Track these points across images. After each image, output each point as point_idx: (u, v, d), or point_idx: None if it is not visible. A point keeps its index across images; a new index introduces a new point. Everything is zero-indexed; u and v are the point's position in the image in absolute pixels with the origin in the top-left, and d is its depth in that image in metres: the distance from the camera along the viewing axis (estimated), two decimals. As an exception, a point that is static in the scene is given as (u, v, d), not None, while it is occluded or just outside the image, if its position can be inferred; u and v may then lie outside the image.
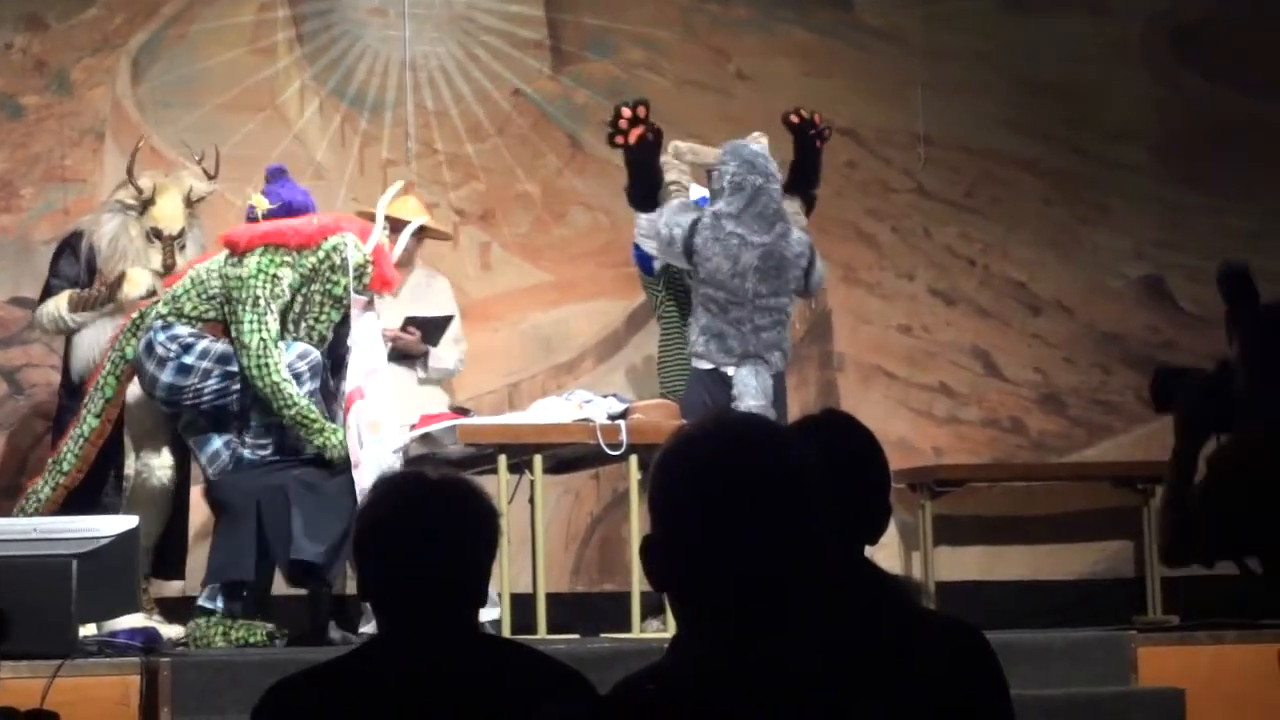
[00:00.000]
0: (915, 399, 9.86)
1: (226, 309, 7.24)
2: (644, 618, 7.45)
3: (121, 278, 7.65)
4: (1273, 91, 10.29)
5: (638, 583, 7.33)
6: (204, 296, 7.27)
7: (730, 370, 7.73)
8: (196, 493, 7.77)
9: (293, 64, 9.38)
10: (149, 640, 6.66)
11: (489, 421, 7.74)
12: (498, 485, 7.32)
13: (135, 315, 7.36)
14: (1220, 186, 10.19)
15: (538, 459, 7.39)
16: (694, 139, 9.39)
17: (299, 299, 7.31)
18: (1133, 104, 10.26)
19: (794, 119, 8.15)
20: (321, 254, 7.31)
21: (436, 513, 3.14)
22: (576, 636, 7.61)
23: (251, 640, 7.11)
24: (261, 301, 7.18)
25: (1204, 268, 10.11)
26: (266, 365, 7.17)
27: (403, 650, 3.11)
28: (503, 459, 7.30)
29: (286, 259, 7.25)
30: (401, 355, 8.42)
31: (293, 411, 7.19)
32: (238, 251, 7.26)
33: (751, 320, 7.74)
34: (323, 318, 7.37)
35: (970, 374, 9.96)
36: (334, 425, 7.28)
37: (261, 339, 7.17)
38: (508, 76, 9.62)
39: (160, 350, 7.20)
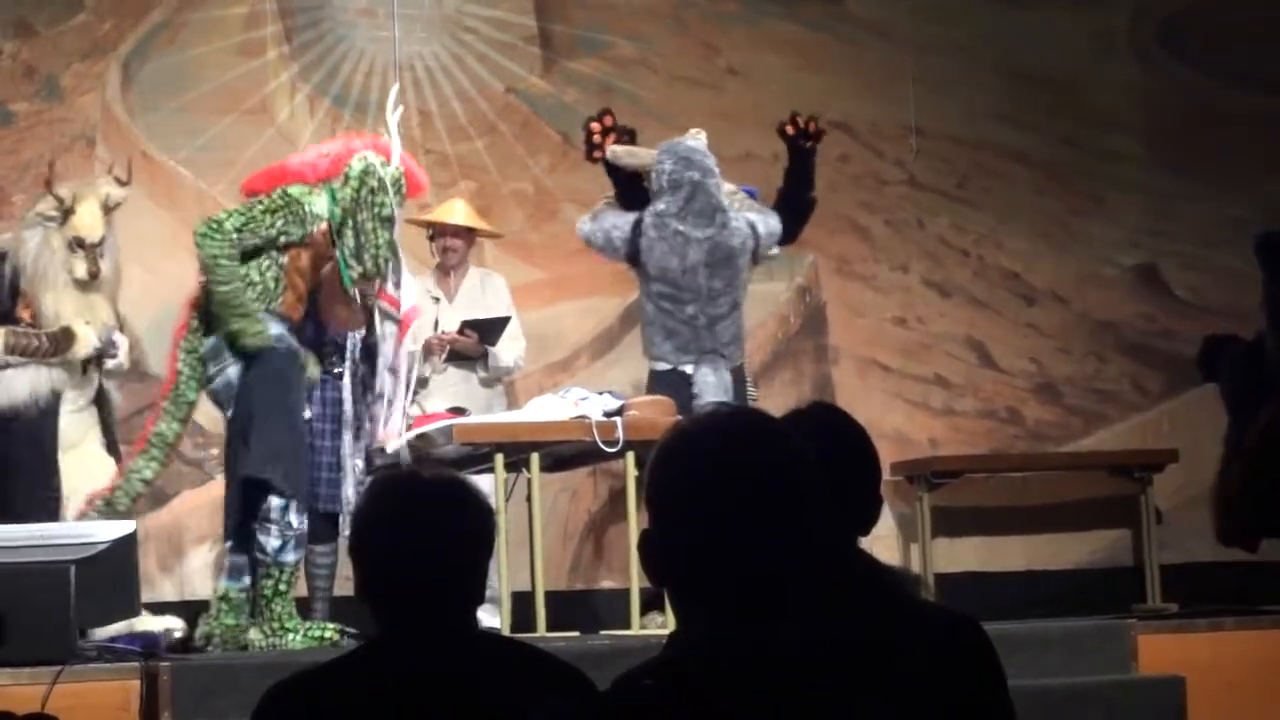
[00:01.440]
0: (911, 391, 9.86)
1: (283, 241, 7.19)
2: (643, 613, 7.44)
3: (69, 335, 7.60)
4: (1261, 79, 10.29)
5: (636, 578, 7.33)
6: (261, 259, 7.21)
7: (689, 369, 7.76)
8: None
9: (284, 67, 9.38)
10: (148, 644, 6.66)
11: (485, 420, 7.74)
12: (495, 484, 7.33)
13: (195, 315, 7.28)
14: (1211, 174, 10.20)
15: (534, 457, 7.38)
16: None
17: (349, 233, 7.23)
18: (1122, 94, 10.26)
19: (789, 129, 8.17)
20: (356, 182, 7.20)
21: (432, 512, 3.14)
22: (576, 634, 7.61)
23: (326, 636, 7.12)
24: (259, 209, 7.11)
25: (1197, 255, 10.13)
26: (213, 238, 7.06)
27: (401, 650, 3.11)
28: (499, 458, 7.30)
29: (318, 191, 7.20)
30: (460, 357, 8.48)
31: (226, 289, 7.08)
32: (264, 194, 7.21)
33: (706, 315, 7.77)
34: (380, 243, 7.26)
35: (965, 365, 9.96)
36: (261, 317, 7.15)
37: (227, 224, 7.06)
38: (498, 76, 9.62)
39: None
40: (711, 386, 7.71)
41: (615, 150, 8.03)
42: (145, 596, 6.91)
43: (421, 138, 9.45)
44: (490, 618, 7.48)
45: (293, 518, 7.14)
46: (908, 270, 9.97)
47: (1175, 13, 10.38)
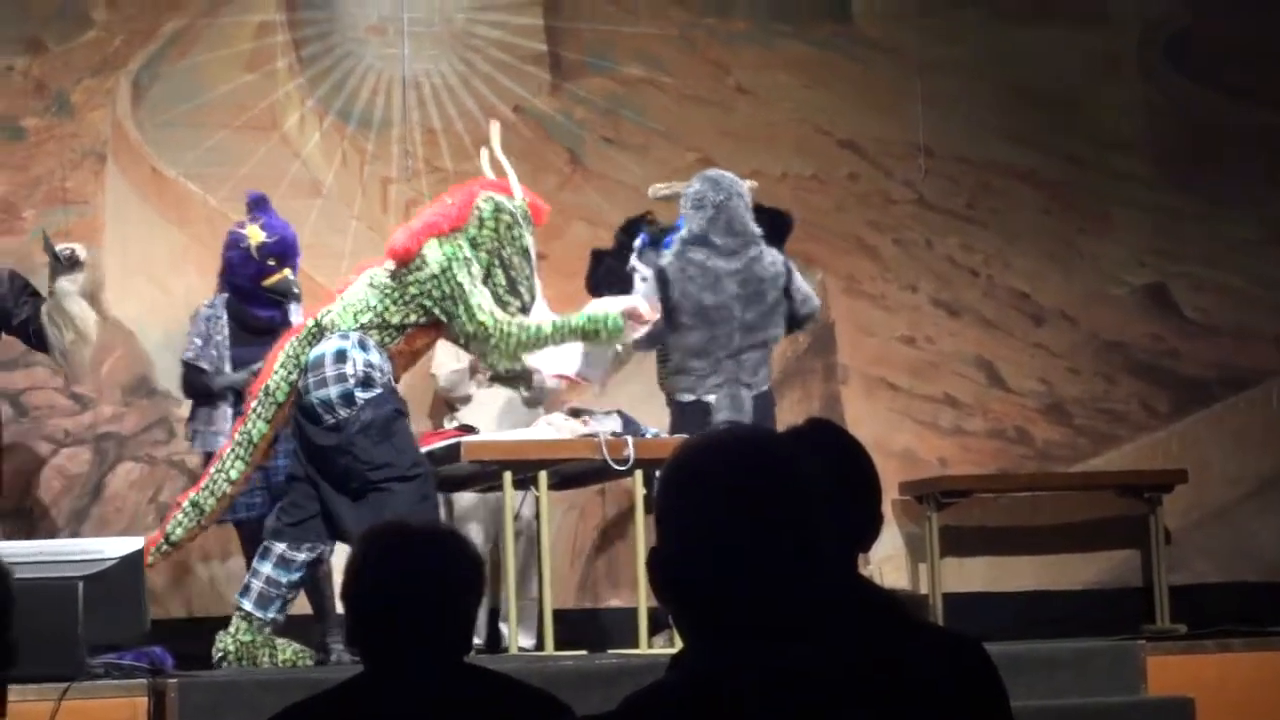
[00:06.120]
0: (920, 410, 9.85)
1: (435, 310, 7.15)
2: (652, 633, 7.44)
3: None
4: (1270, 98, 10.28)
5: (645, 598, 7.33)
6: (404, 301, 7.17)
7: (712, 398, 7.74)
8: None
9: (292, 83, 9.39)
10: (155, 661, 6.66)
11: (495, 438, 7.74)
12: (503, 502, 7.33)
13: (311, 323, 7.22)
14: (1219, 194, 10.19)
15: (543, 475, 7.38)
16: (695, 153, 9.42)
17: (499, 272, 7.23)
18: (1129, 113, 10.25)
19: None
20: (492, 221, 7.22)
21: (422, 562, 3.19)
22: (584, 652, 7.61)
23: (299, 663, 7.10)
24: (465, 287, 7.09)
25: (1206, 275, 10.12)
26: (506, 338, 7.12)
27: (387, 689, 3.15)
28: (508, 476, 7.30)
29: (460, 240, 7.21)
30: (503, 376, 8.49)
31: (557, 338, 7.21)
32: (410, 254, 7.16)
33: (734, 344, 7.74)
34: (528, 274, 7.32)
35: (974, 385, 9.95)
36: (601, 314, 7.26)
37: (480, 321, 7.09)
38: (508, 92, 9.62)
39: (349, 367, 7.09)
40: (726, 409, 7.68)
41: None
42: (152, 614, 6.90)
43: (432, 154, 9.45)
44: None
45: None
46: (916, 289, 9.96)
47: (1182, 31, 10.37)
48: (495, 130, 7.73)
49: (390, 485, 7.00)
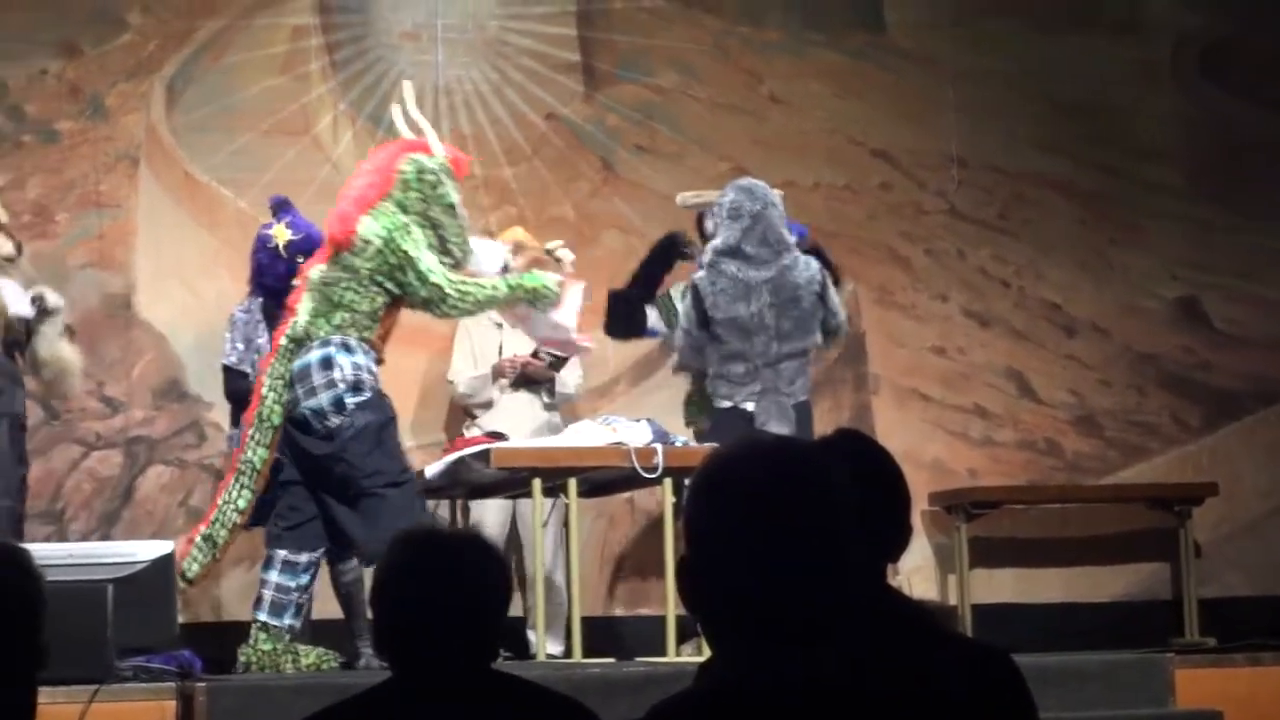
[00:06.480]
0: (950, 421, 9.84)
1: (389, 285, 7.17)
2: (679, 642, 7.43)
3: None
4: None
5: (673, 606, 7.32)
6: (363, 285, 7.17)
7: (750, 405, 7.70)
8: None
9: (325, 86, 9.41)
10: (184, 665, 6.67)
11: (524, 445, 7.75)
12: (532, 509, 7.33)
13: (285, 341, 7.23)
14: (1253, 206, 10.15)
15: (572, 483, 7.38)
16: (727, 162, 9.42)
17: (427, 232, 7.24)
18: (1164, 124, 10.23)
19: None
20: (416, 182, 7.25)
21: (449, 567, 3.19)
22: (611, 660, 7.61)
23: (323, 667, 7.12)
24: (411, 254, 7.12)
25: (1238, 288, 10.09)
26: (464, 297, 7.19)
27: (413, 696, 3.16)
28: (537, 483, 7.30)
29: (390, 206, 7.22)
30: (529, 381, 8.49)
31: (513, 298, 7.29)
32: (350, 238, 7.17)
33: (771, 353, 7.70)
34: (457, 230, 7.34)
35: (1005, 396, 9.93)
36: (549, 278, 7.38)
37: (434, 284, 7.13)
38: (541, 99, 9.63)
39: (337, 373, 7.11)
40: (775, 416, 7.65)
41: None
42: (181, 618, 6.92)
43: (463, 162, 9.46)
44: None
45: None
46: (947, 300, 9.95)
47: (1216, 42, 10.34)
48: (408, 89, 7.77)
49: (383, 491, 7.03)
